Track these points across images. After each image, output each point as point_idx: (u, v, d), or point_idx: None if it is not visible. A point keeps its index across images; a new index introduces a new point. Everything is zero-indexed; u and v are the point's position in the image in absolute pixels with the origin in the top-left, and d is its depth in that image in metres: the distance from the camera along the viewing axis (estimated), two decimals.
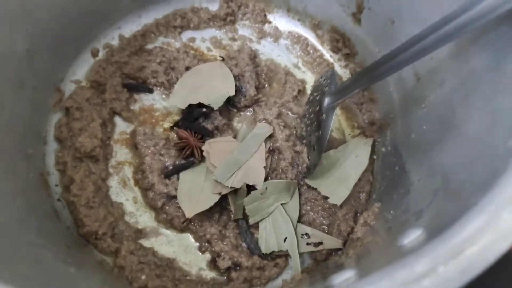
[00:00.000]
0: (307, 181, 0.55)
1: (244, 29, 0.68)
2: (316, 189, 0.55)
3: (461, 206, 0.24)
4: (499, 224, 0.21)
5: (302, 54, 0.67)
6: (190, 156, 0.56)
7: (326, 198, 0.54)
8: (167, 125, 0.60)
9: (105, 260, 0.51)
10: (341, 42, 0.65)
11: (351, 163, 0.57)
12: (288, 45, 0.67)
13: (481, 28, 0.38)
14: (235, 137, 0.59)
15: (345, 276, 0.25)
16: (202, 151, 0.55)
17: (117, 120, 0.59)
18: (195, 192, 0.54)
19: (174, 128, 0.59)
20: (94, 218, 0.51)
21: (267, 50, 0.67)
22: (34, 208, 0.48)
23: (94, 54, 0.61)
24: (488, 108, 0.35)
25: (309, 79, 0.66)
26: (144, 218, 0.55)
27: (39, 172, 0.53)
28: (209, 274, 0.53)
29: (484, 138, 0.33)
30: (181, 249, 0.54)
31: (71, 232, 0.52)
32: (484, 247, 0.20)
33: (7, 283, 0.26)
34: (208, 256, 0.54)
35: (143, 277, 0.49)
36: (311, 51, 0.68)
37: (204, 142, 0.56)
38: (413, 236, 0.26)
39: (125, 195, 0.56)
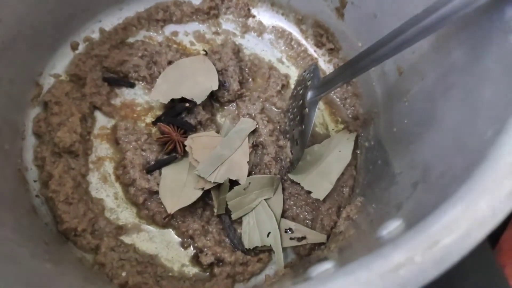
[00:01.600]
0: (290, 175, 0.55)
1: (228, 23, 0.67)
2: (299, 184, 0.55)
3: (439, 197, 0.24)
4: (475, 214, 0.21)
5: (286, 48, 0.67)
6: (172, 151, 0.56)
7: (309, 192, 0.54)
8: (149, 120, 0.59)
9: (85, 257, 0.50)
10: (324, 37, 0.65)
11: (334, 158, 0.57)
12: (272, 40, 0.67)
13: (461, 21, 0.39)
14: (218, 132, 0.58)
15: (324, 267, 0.25)
16: (184, 146, 0.54)
17: (98, 114, 0.58)
18: (178, 187, 0.53)
19: (157, 123, 0.58)
20: (74, 215, 0.50)
21: (251, 44, 0.66)
22: (11, 204, 0.46)
23: (74, 47, 0.60)
24: (468, 100, 0.35)
25: (293, 73, 0.65)
26: (125, 214, 0.54)
27: (17, 167, 0.52)
28: (192, 270, 0.53)
29: (464, 130, 0.33)
30: (163, 245, 0.53)
31: (50, 228, 0.51)
32: (460, 236, 0.20)
33: None
34: (190, 251, 0.53)
35: (124, 273, 0.49)
36: (295, 46, 0.67)
37: (187, 137, 0.55)
38: (391, 227, 0.26)
39: (105, 191, 0.55)
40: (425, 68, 0.45)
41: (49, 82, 0.57)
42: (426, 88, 0.44)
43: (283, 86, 0.63)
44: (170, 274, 0.52)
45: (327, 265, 0.25)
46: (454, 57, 0.40)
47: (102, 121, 0.58)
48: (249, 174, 0.54)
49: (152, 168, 0.54)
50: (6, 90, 0.50)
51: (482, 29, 0.35)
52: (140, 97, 0.60)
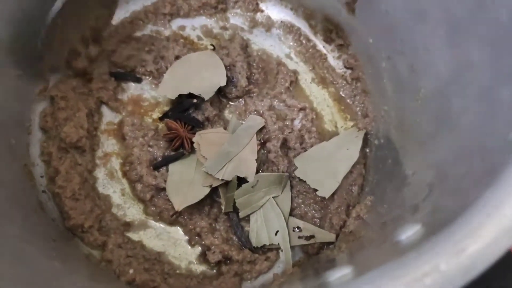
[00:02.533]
0: (296, 173, 0.54)
1: (236, 18, 0.66)
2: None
3: (460, 202, 0.24)
4: (501, 220, 0.20)
5: (295, 44, 0.66)
6: (179, 148, 0.55)
7: (315, 190, 0.54)
8: (156, 115, 0.59)
9: (92, 253, 0.50)
10: (334, 33, 0.64)
11: (341, 156, 0.56)
12: (280, 35, 0.66)
13: (478, 19, 0.38)
14: (225, 128, 0.57)
15: (341, 273, 0.24)
16: (192, 142, 0.54)
17: (104, 110, 0.58)
18: (185, 184, 0.53)
19: (164, 118, 0.57)
20: (80, 211, 0.50)
21: (259, 39, 0.65)
22: (18, 200, 0.46)
23: None
24: (486, 100, 0.34)
25: (302, 69, 0.65)
26: (132, 211, 0.54)
27: (24, 163, 0.51)
28: (199, 268, 0.52)
29: (482, 131, 0.32)
30: (170, 243, 0.53)
31: (56, 224, 0.50)
32: (487, 244, 0.19)
33: None
34: (198, 249, 0.53)
35: (131, 271, 0.48)
36: (303, 41, 0.66)
37: (194, 134, 0.54)
38: (410, 231, 0.26)
39: (112, 187, 0.54)
40: (439, 65, 0.44)
41: (56, 77, 0.56)
42: (439, 86, 0.43)
43: (291, 82, 0.62)
44: (177, 271, 0.51)
45: (344, 270, 0.24)
46: (470, 54, 0.39)
47: (109, 116, 0.57)
48: (257, 171, 0.54)
49: (159, 165, 0.54)
50: (13, 85, 0.50)
51: (502, 26, 0.34)
52: (147, 92, 0.59)
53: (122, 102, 0.58)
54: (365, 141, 0.57)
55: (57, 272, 0.40)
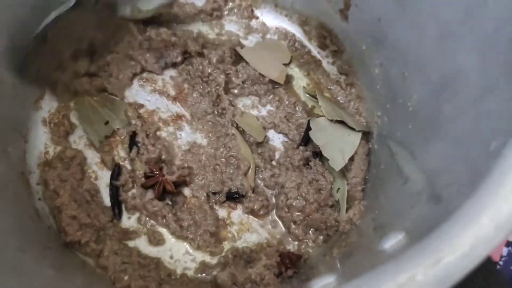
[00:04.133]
0: (311, 134, 0.56)
1: (231, 25, 0.67)
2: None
3: (442, 210, 0.24)
4: (479, 230, 0.21)
5: (290, 50, 0.67)
6: (164, 193, 0.54)
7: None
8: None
9: (88, 260, 0.50)
10: (328, 39, 0.65)
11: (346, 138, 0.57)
12: None
13: (467, 27, 0.38)
14: None
15: (325, 281, 0.25)
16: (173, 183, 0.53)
17: None
18: None
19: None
20: (78, 227, 0.50)
21: None
22: (15, 209, 0.46)
23: None
24: (473, 109, 0.34)
25: (297, 75, 0.65)
26: (129, 220, 0.54)
27: (20, 171, 0.52)
28: (195, 274, 0.52)
29: (468, 140, 0.32)
30: (166, 249, 0.53)
31: (52, 232, 0.51)
32: (463, 254, 0.20)
33: None
34: (193, 256, 0.53)
35: (126, 277, 0.49)
36: (298, 47, 0.67)
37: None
38: (394, 240, 0.26)
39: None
40: (429, 73, 0.45)
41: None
42: (430, 94, 0.44)
43: None
44: (173, 277, 0.52)
45: (329, 279, 0.25)
46: (459, 63, 0.39)
47: None
48: None
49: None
50: (10, 93, 0.50)
51: (489, 36, 0.35)
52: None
53: None
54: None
55: (52, 280, 0.40)
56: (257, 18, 0.67)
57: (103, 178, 0.55)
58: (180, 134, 0.59)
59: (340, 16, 0.60)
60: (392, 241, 0.26)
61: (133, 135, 0.56)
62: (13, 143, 0.51)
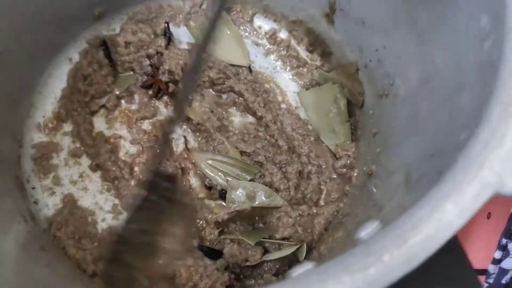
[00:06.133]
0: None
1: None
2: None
3: (414, 199, 0.25)
4: (443, 215, 0.22)
5: (280, 53, 0.68)
6: (158, 93, 0.61)
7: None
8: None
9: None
10: (316, 43, 0.66)
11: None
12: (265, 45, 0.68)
13: (441, 25, 0.40)
14: None
15: (305, 268, 0.26)
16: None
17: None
18: None
19: None
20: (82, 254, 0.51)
21: None
22: (10, 212, 0.47)
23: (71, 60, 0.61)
24: (447, 105, 0.36)
25: (288, 77, 0.67)
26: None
27: (15, 174, 0.53)
28: None
29: (442, 134, 0.34)
30: None
31: (47, 234, 0.52)
32: (427, 237, 0.21)
33: None
34: None
35: None
36: (289, 51, 0.68)
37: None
38: (369, 228, 0.27)
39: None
40: (410, 72, 0.46)
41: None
42: (410, 92, 0.45)
43: None
44: None
45: (308, 266, 0.26)
46: (435, 62, 0.41)
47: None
48: None
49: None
50: (5, 98, 0.52)
51: (461, 35, 0.36)
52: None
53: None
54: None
55: (50, 281, 0.41)
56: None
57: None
58: None
59: (326, 20, 0.62)
60: (367, 230, 0.27)
61: None
62: (8, 147, 0.53)
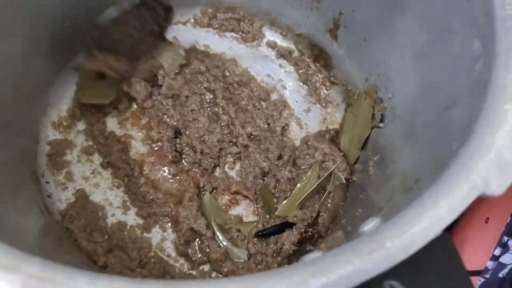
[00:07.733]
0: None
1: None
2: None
3: (411, 198, 0.29)
4: (436, 211, 0.26)
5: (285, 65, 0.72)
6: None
7: None
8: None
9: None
10: (320, 56, 0.70)
11: None
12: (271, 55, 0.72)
13: (440, 50, 0.44)
14: None
15: (315, 255, 0.29)
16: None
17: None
18: None
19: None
20: (94, 247, 0.53)
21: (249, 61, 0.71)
22: (28, 207, 0.50)
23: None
24: (442, 116, 0.40)
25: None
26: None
27: (32, 169, 0.56)
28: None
29: (436, 143, 0.38)
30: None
31: (60, 226, 0.54)
32: (424, 228, 0.25)
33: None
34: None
35: None
36: (294, 62, 0.72)
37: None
38: (371, 224, 0.31)
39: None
40: (407, 86, 0.50)
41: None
42: (408, 105, 0.50)
43: None
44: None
45: (318, 254, 0.30)
46: (431, 77, 0.45)
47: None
48: None
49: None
50: (27, 94, 0.55)
51: (455, 56, 0.40)
52: None
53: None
54: None
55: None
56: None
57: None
58: None
59: (330, 36, 0.66)
60: (369, 225, 0.31)
61: None
62: (26, 142, 0.56)
